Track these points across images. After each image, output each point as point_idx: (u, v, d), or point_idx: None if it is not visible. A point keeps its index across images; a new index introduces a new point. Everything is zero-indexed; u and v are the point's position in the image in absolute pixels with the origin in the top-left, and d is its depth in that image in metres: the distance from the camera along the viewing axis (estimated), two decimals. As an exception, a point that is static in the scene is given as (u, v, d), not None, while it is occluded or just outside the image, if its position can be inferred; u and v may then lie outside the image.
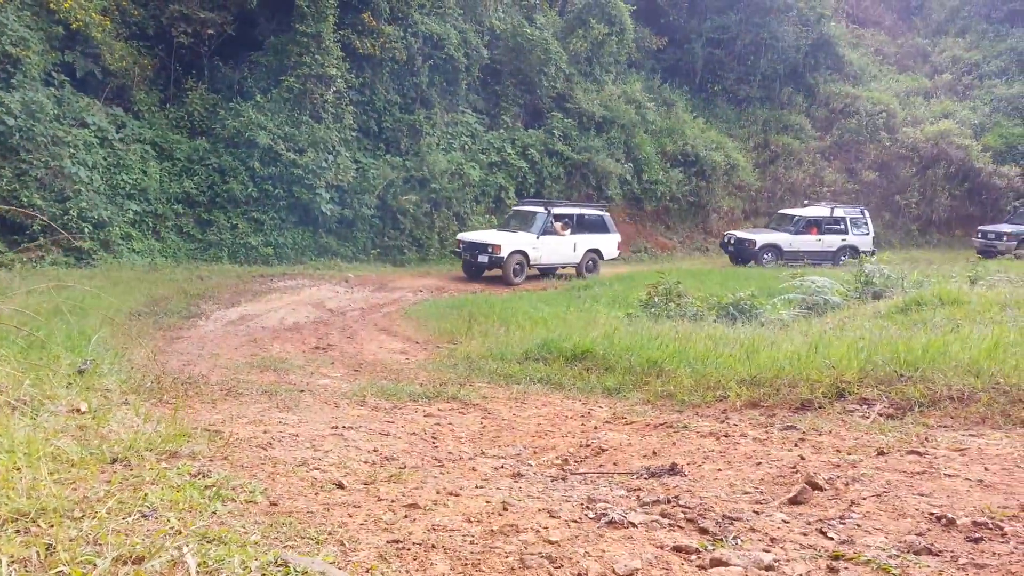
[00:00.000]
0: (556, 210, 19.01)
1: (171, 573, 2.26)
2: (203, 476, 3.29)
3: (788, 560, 2.76)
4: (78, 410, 4.12)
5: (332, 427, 5.09)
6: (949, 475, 3.81)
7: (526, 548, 2.79)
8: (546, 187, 24.15)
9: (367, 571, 2.51)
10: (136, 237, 17.19)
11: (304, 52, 19.25)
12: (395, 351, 9.76)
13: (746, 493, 3.68)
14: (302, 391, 6.75)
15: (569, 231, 18.99)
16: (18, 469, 2.92)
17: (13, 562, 2.21)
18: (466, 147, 23.06)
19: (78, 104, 16.75)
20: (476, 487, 3.72)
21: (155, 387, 5.81)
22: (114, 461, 3.32)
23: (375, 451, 4.47)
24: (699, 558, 2.76)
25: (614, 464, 4.46)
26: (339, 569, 2.47)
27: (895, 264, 15.98)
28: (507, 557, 2.68)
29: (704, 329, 8.98)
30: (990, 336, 6.54)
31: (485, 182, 22.68)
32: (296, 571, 2.35)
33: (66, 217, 15.41)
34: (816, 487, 3.62)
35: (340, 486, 3.51)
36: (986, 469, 3.90)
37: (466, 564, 2.62)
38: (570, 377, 7.36)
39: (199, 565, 2.30)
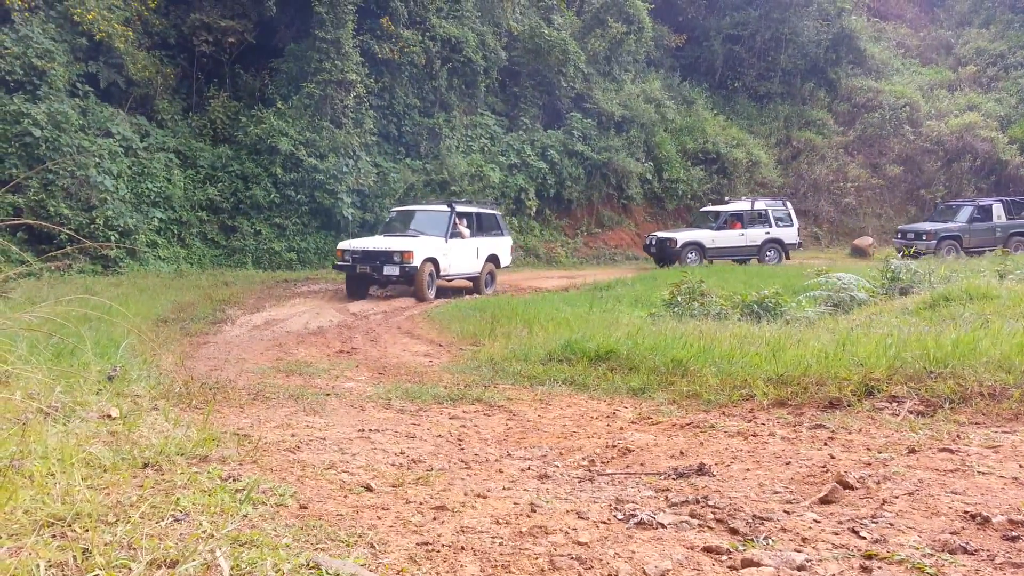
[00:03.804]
0: (459, 208, 16.02)
1: (205, 576, 2.29)
2: (233, 480, 3.32)
3: (820, 560, 2.73)
4: (109, 416, 4.17)
5: (359, 430, 5.12)
6: (982, 473, 3.75)
7: (555, 549, 2.78)
8: (566, 188, 24.11)
9: (398, 573, 2.52)
10: (161, 244, 17.41)
11: (324, 58, 19.40)
12: (419, 354, 9.78)
13: (776, 493, 3.65)
14: (328, 395, 6.78)
15: (469, 233, 16.06)
16: (52, 475, 2.97)
17: (51, 566, 2.24)
18: (485, 149, 23.10)
19: (102, 114, 17.01)
20: (503, 489, 3.72)
21: (184, 392, 5.86)
22: (145, 466, 3.36)
23: (402, 453, 4.48)
24: (730, 558, 2.74)
25: (641, 465, 4.44)
26: (370, 571, 2.49)
27: (922, 259, 15.76)
28: (537, 559, 2.68)
29: (729, 328, 8.91)
30: (1021, 331, 6.43)
31: (505, 184, 22.70)
32: (328, 573, 2.37)
33: (92, 226, 15.65)
34: (847, 486, 3.57)
35: (368, 488, 3.53)
36: (1020, 466, 3.83)
37: (496, 566, 2.62)
38: (594, 378, 7.31)
39: (232, 568, 2.32)
